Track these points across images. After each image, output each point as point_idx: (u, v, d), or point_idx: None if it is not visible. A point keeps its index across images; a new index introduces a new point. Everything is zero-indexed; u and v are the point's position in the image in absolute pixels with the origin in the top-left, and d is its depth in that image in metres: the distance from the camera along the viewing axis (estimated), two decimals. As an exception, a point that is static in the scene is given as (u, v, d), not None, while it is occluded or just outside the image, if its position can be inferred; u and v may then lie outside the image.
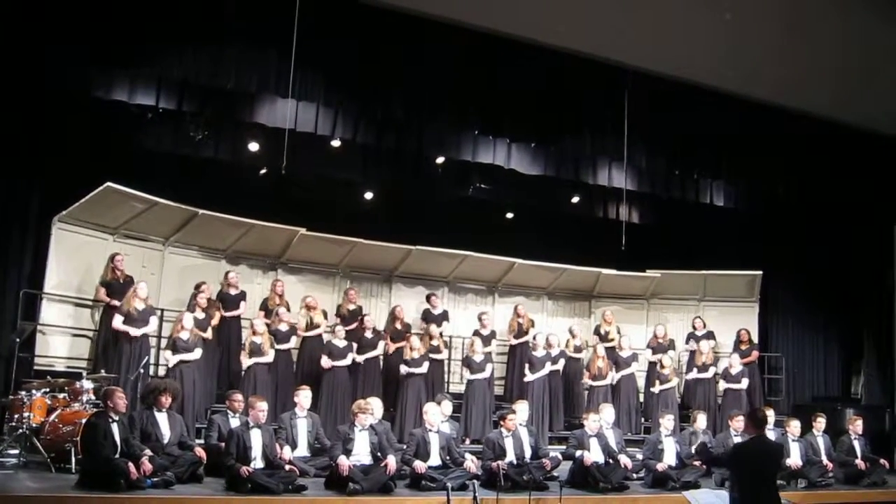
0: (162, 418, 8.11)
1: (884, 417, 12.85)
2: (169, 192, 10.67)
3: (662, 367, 11.94)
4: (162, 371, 9.92)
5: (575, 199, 13.36)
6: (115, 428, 7.46)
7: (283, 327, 10.51)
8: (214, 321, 10.24)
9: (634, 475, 9.44)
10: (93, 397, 8.53)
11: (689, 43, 10.58)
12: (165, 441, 8.00)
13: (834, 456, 10.32)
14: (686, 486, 8.86)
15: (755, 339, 12.96)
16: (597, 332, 13.01)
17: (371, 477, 7.88)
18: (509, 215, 13.89)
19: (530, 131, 11.47)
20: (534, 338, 11.93)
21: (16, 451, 8.05)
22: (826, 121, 12.38)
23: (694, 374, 12.21)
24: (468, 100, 10.85)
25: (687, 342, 13.00)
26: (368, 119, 10.82)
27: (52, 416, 8.14)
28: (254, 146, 11.01)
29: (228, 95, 9.97)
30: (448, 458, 8.64)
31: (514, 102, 11.08)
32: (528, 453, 9.05)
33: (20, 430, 8.05)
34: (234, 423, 8.35)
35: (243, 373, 9.99)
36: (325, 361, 10.31)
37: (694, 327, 13.05)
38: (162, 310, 10.40)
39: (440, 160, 11.98)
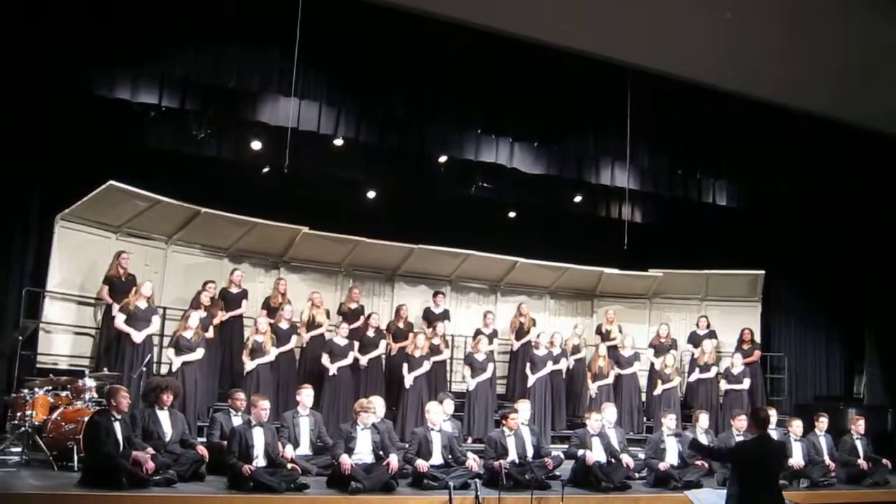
0: (164, 416, 8.10)
1: (886, 417, 12.85)
2: (172, 190, 10.67)
3: (664, 366, 11.94)
4: (164, 369, 9.93)
5: (577, 199, 13.35)
6: (117, 426, 7.47)
7: (285, 326, 10.51)
8: (217, 320, 10.26)
9: (636, 475, 9.43)
10: (95, 395, 8.53)
11: (691, 42, 10.58)
12: (167, 439, 8.00)
13: (836, 456, 10.31)
14: (688, 485, 8.84)
15: (757, 339, 12.95)
16: (599, 331, 13.02)
17: (373, 476, 7.88)
18: (512, 214, 13.89)
19: (533, 130, 11.48)
20: (536, 337, 11.93)
21: (18, 449, 8.05)
22: (827, 120, 12.38)
23: (696, 374, 12.21)
24: (471, 99, 10.86)
25: (689, 341, 12.99)
26: (371, 118, 10.82)
27: (55, 414, 8.15)
28: (256, 145, 11.02)
29: (231, 94, 9.99)
30: (450, 457, 8.64)
31: (517, 101, 11.09)
32: (530, 452, 9.05)
33: (22, 428, 8.05)
34: (237, 421, 8.35)
35: (245, 371, 10.00)
36: (327, 361, 10.32)
37: (697, 326, 13.04)
38: (164, 308, 10.40)
39: (443, 159, 11.99)
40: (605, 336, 12.72)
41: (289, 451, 8.29)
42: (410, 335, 11.14)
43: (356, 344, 10.72)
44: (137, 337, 9.23)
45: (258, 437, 7.87)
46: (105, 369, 9.17)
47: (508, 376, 12.46)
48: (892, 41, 10.23)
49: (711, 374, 12.12)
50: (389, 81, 10.36)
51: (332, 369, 10.28)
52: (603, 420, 9.52)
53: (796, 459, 9.88)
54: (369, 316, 11.16)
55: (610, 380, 11.85)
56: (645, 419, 12.27)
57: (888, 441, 12.15)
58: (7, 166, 9.68)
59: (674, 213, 13.70)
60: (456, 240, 12.83)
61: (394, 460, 8.08)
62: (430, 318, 11.95)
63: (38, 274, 9.86)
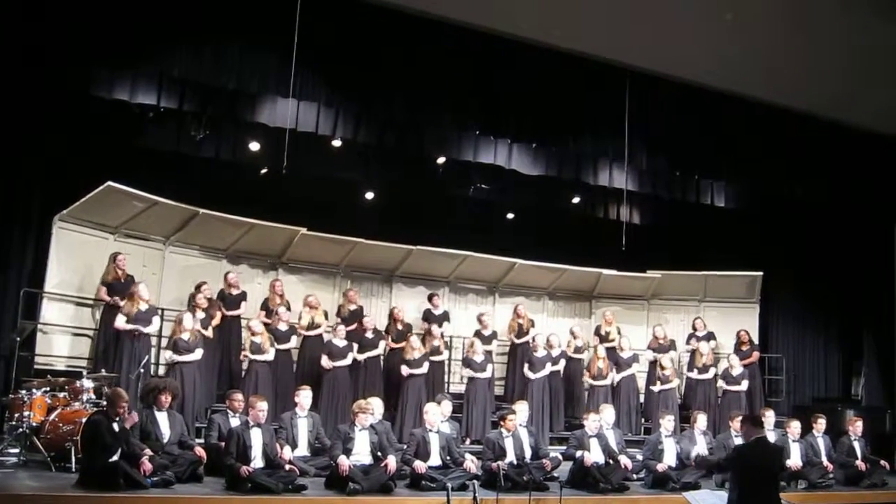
0: (162, 417, 8.10)
1: (884, 418, 12.83)
2: (170, 191, 10.67)
3: (663, 367, 11.94)
4: (162, 370, 9.92)
5: (576, 200, 13.36)
6: (115, 427, 7.44)
7: (283, 327, 10.51)
8: (215, 321, 10.25)
9: (634, 476, 9.43)
10: (93, 396, 8.53)
11: (690, 43, 10.59)
12: (165, 440, 7.99)
13: (834, 457, 10.31)
14: (686, 486, 8.84)
15: (755, 340, 12.96)
16: (597, 332, 13.01)
17: (371, 477, 7.88)
18: (510, 215, 13.90)
19: (531, 131, 11.48)
20: (534, 338, 11.93)
21: (16, 450, 8.06)
22: (826, 121, 12.41)
23: (694, 375, 12.21)
24: (469, 100, 10.87)
25: (687, 343, 12.99)
26: (369, 119, 10.81)
27: (53, 415, 8.13)
28: (255, 146, 11.01)
29: (229, 95, 9.98)
30: (448, 458, 8.64)
31: (515, 103, 11.10)
32: (528, 453, 9.04)
33: (20, 429, 8.05)
34: (235, 422, 8.34)
35: (244, 372, 10.01)
36: (325, 362, 10.32)
37: (694, 328, 13.04)
38: (162, 309, 10.37)
39: (441, 160, 11.98)
40: (603, 337, 12.72)
41: (287, 453, 8.27)
42: (408, 336, 11.12)
43: (355, 345, 10.72)
44: (147, 329, 9.26)
45: (256, 439, 7.87)
46: (103, 370, 9.17)
47: (506, 377, 12.46)
48: (892, 42, 10.24)
49: (709, 375, 12.12)
50: (388, 82, 10.36)
51: (329, 365, 10.28)
52: (601, 421, 9.51)
53: (794, 461, 9.89)
54: (363, 319, 11.13)
55: (608, 381, 11.85)
56: (643, 420, 12.27)
57: (886, 442, 12.15)
58: (5, 167, 9.67)
59: (672, 215, 13.70)
60: (454, 241, 12.83)
61: (392, 461, 8.08)
62: (429, 319, 11.95)
63: (36, 275, 9.84)
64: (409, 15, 10.15)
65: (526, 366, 11.56)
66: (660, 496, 8.95)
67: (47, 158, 9.96)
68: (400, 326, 11.46)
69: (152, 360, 9.86)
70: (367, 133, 10.89)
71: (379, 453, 8.22)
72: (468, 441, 10.61)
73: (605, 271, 13.68)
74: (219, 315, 10.37)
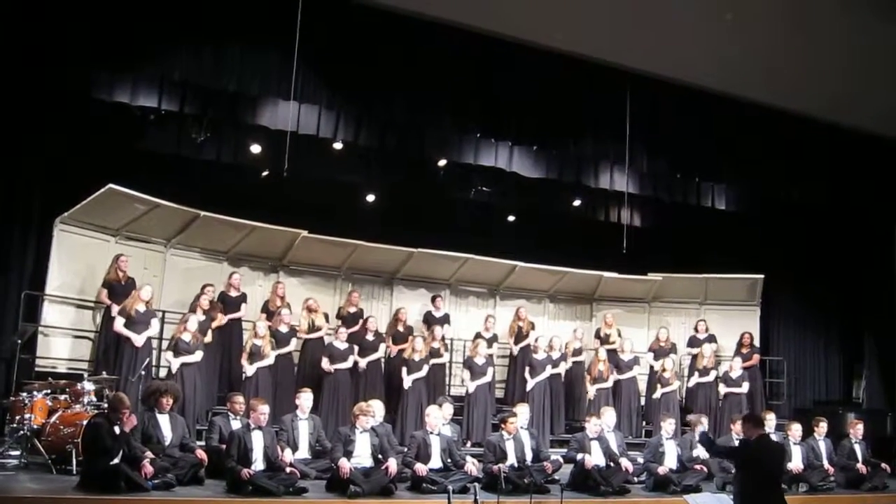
0: (163, 420, 8.09)
1: (885, 421, 12.83)
2: (171, 193, 10.67)
3: (664, 370, 11.94)
4: (163, 373, 9.92)
5: (577, 203, 13.35)
6: (116, 430, 7.44)
7: (284, 329, 10.51)
8: (216, 323, 10.25)
9: (635, 478, 9.43)
10: (94, 399, 8.53)
11: (690, 46, 10.60)
12: (167, 443, 7.99)
13: (835, 460, 10.30)
14: (687, 489, 8.85)
15: (756, 343, 12.93)
16: (598, 335, 13.00)
17: (372, 479, 7.87)
18: (511, 218, 13.89)
19: (532, 134, 11.51)
20: (535, 341, 11.93)
21: (17, 453, 8.04)
22: (826, 123, 12.41)
23: (695, 378, 12.19)
24: (470, 102, 10.89)
25: (688, 346, 12.98)
26: (370, 121, 10.83)
27: (53, 418, 8.13)
28: (256, 148, 11.02)
29: (231, 97, 10.00)
30: (449, 460, 8.64)
31: (516, 105, 11.12)
32: (528, 456, 9.04)
33: (21, 432, 8.05)
34: (235, 425, 8.34)
35: (244, 375, 9.99)
36: (326, 364, 10.32)
37: (696, 330, 13.03)
38: (163, 312, 10.39)
39: (442, 163, 11.98)
40: (604, 340, 12.71)
41: (288, 455, 8.27)
42: (409, 338, 11.12)
43: (356, 348, 10.72)
44: (138, 340, 9.22)
45: (257, 441, 7.86)
46: (104, 373, 9.15)
47: (507, 380, 12.45)
48: (892, 43, 10.25)
49: (710, 377, 12.11)
50: (389, 85, 10.38)
51: (330, 368, 10.28)
52: (602, 424, 9.50)
53: (795, 463, 9.89)
54: (367, 319, 11.14)
55: (609, 384, 11.84)
56: (644, 423, 12.26)
57: (887, 445, 12.12)
58: (6, 168, 9.68)
59: (673, 217, 13.70)
60: (455, 243, 12.82)
61: (392, 464, 8.07)
62: (430, 321, 11.95)
63: (37, 277, 9.85)
64: (410, 17, 10.17)
65: (527, 369, 11.55)
66: (661, 499, 8.94)
67: (48, 160, 9.97)
68: (401, 328, 11.46)
69: (153, 363, 9.85)
70: (368, 136, 10.90)
71: (380, 456, 8.21)
72: (469, 444, 10.61)
73: (606, 274, 13.67)
74: (220, 318, 10.36)
